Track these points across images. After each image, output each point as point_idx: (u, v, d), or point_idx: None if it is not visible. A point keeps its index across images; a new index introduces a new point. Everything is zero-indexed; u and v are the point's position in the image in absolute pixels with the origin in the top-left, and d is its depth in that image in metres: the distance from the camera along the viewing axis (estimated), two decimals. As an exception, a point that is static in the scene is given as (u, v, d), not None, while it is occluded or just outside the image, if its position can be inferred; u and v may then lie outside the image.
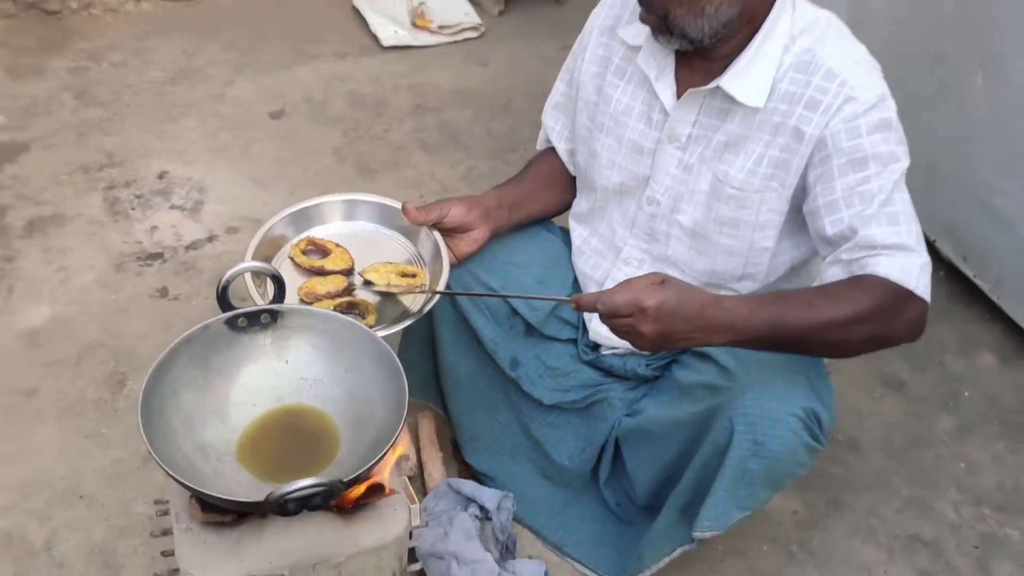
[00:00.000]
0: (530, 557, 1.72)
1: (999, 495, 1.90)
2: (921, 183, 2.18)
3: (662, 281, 1.24)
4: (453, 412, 1.78)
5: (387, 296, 1.50)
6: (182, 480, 1.15)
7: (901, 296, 1.29)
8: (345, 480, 1.14)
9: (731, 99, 1.37)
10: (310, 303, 1.45)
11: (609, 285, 1.59)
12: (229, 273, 1.34)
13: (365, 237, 1.59)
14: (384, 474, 1.29)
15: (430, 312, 1.58)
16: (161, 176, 2.48)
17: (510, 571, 1.66)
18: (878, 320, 1.28)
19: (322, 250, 1.54)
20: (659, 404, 1.57)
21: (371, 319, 1.44)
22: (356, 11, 3.27)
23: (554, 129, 1.69)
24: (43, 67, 2.86)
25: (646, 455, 1.59)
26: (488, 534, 1.68)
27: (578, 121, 1.60)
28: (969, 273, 2.20)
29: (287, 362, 1.38)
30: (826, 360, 1.57)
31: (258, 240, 1.51)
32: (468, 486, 1.72)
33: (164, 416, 1.25)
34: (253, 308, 1.35)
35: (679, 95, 1.44)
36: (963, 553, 1.80)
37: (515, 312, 1.65)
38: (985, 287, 2.17)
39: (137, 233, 2.30)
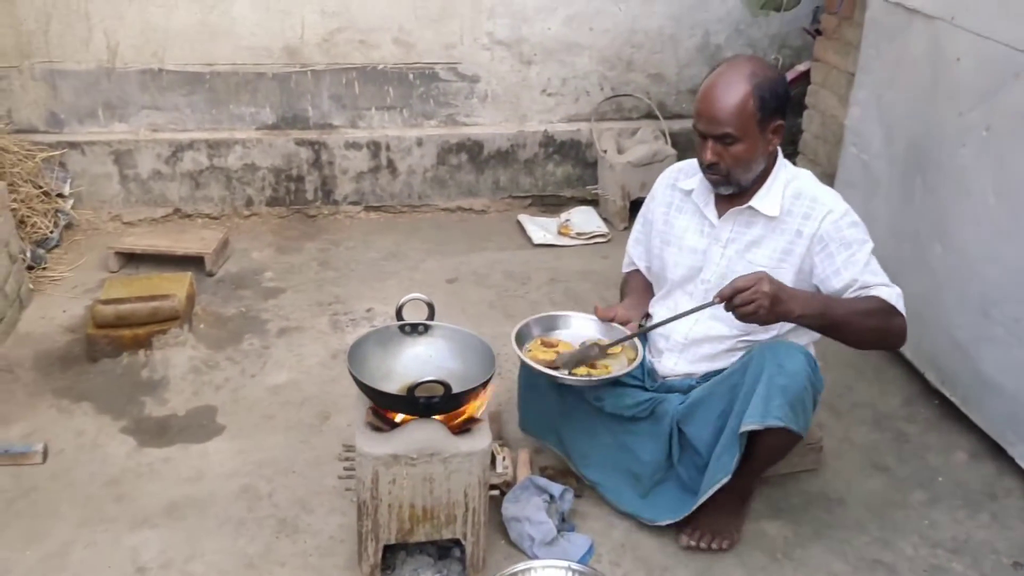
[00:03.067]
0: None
1: (952, 543, 2.45)
2: (913, 329, 2.93)
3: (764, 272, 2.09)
4: (568, 439, 2.57)
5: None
6: (368, 383, 2.08)
7: (891, 308, 2.17)
8: (454, 391, 2.03)
9: (756, 212, 2.28)
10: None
11: (676, 338, 2.43)
12: (403, 299, 2.34)
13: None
14: (477, 412, 2.16)
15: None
16: (368, 310, 3.58)
17: (564, 537, 2.41)
18: (881, 316, 2.16)
19: (550, 345, 2.48)
20: (700, 388, 2.37)
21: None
22: (519, 224, 4.42)
23: (636, 253, 2.62)
24: (300, 247, 4.14)
25: (701, 421, 2.33)
26: (553, 511, 2.43)
27: (652, 244, 2.51)
28: (947, 393, 2.84)
29: (431, 355, 2.31)
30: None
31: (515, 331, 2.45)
32: (542, 481, 2.50)
33: (358, 369, 2.19)
34: (414, 322, 2.32)
35: (719, 214, 2.35)
36: (913, 574, 2.36)
37: None
38: (957, 403, 2.80)
39: (348, 339, 3.35)
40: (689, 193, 2.42)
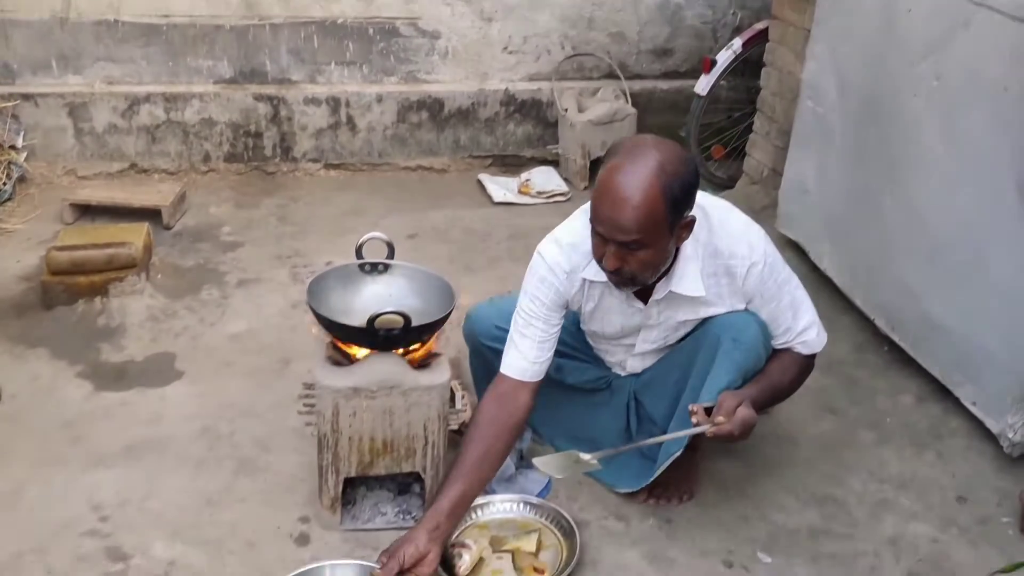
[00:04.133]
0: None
1: (899, 479, 2.53)
2: (865, 280, 3.00)
3: (741, 403, 2.02)
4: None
5: None
6: (329, 317, 2.08)
7: (809, 362, 2.27)
8: (414, 324, 2.04)
9: (679, 294, 2.12)
10: None
11: (628, 367, 2.42)
12: (363, 238, 2.34)
13: None
14: (436, 347, 2.18)
15: (483, 353, 2.46)
16: (328, 263, 3.53)
17: (522, 474, 2.44)
18: (803, 374, 2.27)
19: None
20: (658, 362, 2.39)
21: None
22: (479, 184, 4.43)
23: (534, 353, 2.18)
24: (259, 203, 4.11)
25: (657, 393, 2.34)
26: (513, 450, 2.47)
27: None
28: (896, 339, 2.92)
29: (391, 294, 2.32)
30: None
31: None
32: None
33: (318, 304, 2.19)
34: (373, 260, 2.33)
35: (643, 300, 2.17)
36: (861, 507, 2.42)
37: None
38: (906, 347, 2.88)
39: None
40: (595, 283, 2.17)
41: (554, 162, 4.58)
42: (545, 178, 4.41)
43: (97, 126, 4.13)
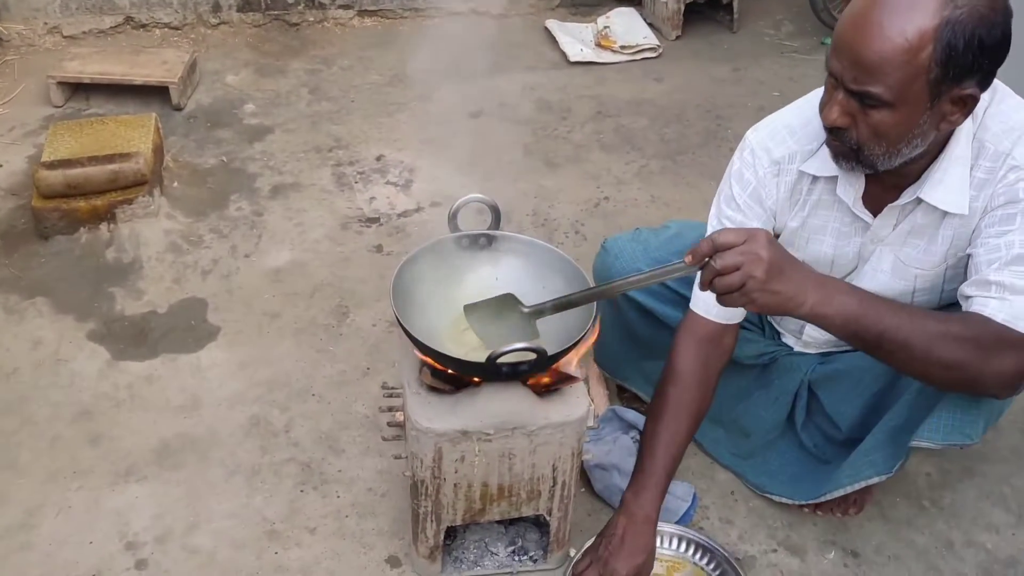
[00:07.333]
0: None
1: None
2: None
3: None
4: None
5: None
6: (426, 343, 1.49)
7: (1001, 337, 1.35)
8: (549, 354, 1.46)
9: (932, 208, 1.48)
10: None
11: (805, 337, 1.84)
12: (459, 201, 1.69)
13: None
14: (572, 366, 1.60)
15: (620, 306, 1.92)
16: (378, 158, 2.92)
17: (662, 488, 1.93)
18: (968, 350, 1.35)
19: None
20: (852, 355, 1.77)
21: None
22: (547, 32, 3.66)
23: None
24: (285, 68, 3.39)
25: (845, 392, 1.78)
26: (645, 454, 1.95)
27: None
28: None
29: (497, 278, 1.71)
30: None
31: None
32: (630, 414, 1.99)
33: (405, 302, 1.59)
34: (475, 231, 1.70)
35: (870, 208, 1.56)
36: (1089, 524, 1.93)
37: None
38: None
39: (358, 201, 2.73)
40: (818, 180, 1.59)
41: (636, 1, 3.78)
42: (627, 25, 3.64)
43: (79, -29, 3.34)
